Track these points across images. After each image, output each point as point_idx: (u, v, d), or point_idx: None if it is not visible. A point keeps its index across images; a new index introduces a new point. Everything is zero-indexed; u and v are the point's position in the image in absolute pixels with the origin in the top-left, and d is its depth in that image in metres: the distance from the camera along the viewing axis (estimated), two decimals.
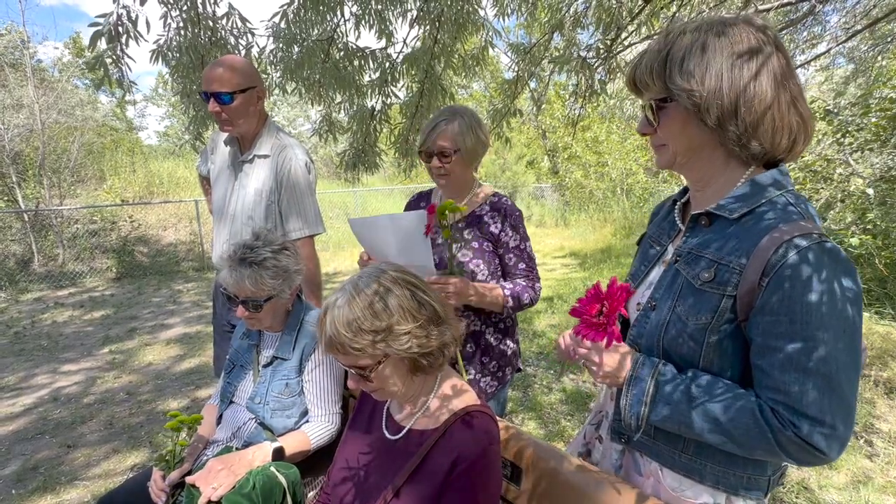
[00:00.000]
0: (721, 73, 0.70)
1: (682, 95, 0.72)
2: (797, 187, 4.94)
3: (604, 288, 0.78)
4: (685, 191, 0.92)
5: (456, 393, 0.97)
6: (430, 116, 1.52)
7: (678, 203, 0.91)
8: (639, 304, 0.88)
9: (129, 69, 1.91)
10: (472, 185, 1.53)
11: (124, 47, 1.85)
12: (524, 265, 1.47)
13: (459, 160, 1.42)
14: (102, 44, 1.81)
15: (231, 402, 1.42)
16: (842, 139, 4.51)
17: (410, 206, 1.67)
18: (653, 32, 2.53)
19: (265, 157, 1.78)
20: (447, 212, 1.23)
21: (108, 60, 1.83)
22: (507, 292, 1.41)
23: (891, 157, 4.40)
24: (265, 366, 1.38)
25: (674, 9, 2.77)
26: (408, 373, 0.92)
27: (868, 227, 4.08)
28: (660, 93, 0.76)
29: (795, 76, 0.73)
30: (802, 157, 5.02)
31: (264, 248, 1.29)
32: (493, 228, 1.44)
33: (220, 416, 1.43)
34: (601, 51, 2.56)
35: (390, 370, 0.90)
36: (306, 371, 1.35)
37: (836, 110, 4.65)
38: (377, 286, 0.89)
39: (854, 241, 3.91)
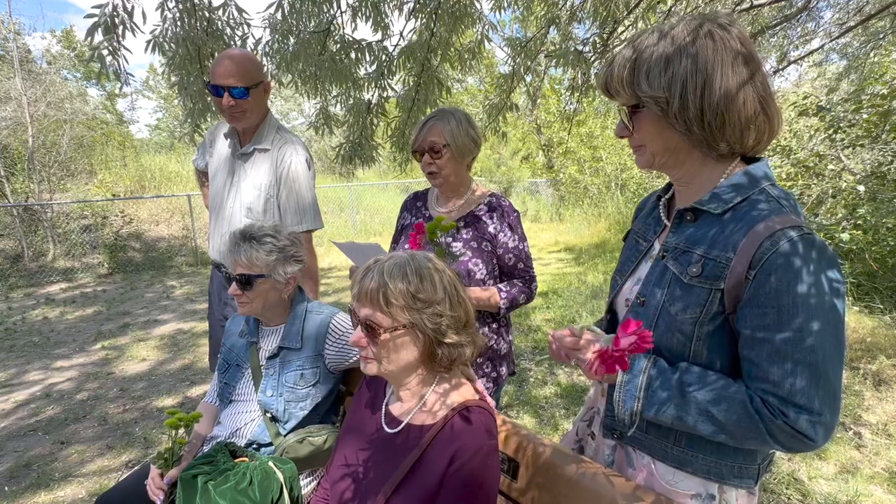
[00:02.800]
0: (685, 79, 0.72)
1: (650, 102, 0.74)
2: (790, 183, 4.99)
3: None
4: (669, 186, 0.92)
5: (454, 387, 0.97)
6: (424, 115, 1.53)
7: (662, 199, 0.92)
8: (627, 299, 0.89)
9: (126, 61, 1.89)
10: (468, 184, 1.52)
11: (120, 38, 1.83)
12: (522, 265, 1.47)
13: (450, 156, 1.42)
14: (99, 35, 1.79)
15: (231, 400, 1.41)
16: (833, 135, 4.55)
17: (407, 205, 1.66)
18: (648, 27, 2.52)
19: (265, 150, 1.78)
20: (438, 230, 1.18)
21: (105, 52, 1.81)
22: (504, 295, 1.41)
23: (882, 153, 4.45)
24: (270, 358, 1.38)
25: (670, 2, 2.77)
26: (416, 358, 0.92)
27: (859, 222, 4.13)
28: (630, 100, 0.78)
29: (762, 73, 0.75)
30: (795, 153, 5.06)
31: (268, 229, 1.36)
32: (491, 228, 1.44)
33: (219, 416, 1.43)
34: (597, 45, 2.55)
35: (402, 343, 0.90)
36: (331, 342, 1.37)
37: (828, 106, 4.68)
38: (432, 265, 0.92)
39: (845, 236, 3.96)
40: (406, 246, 1.30)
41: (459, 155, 1.43)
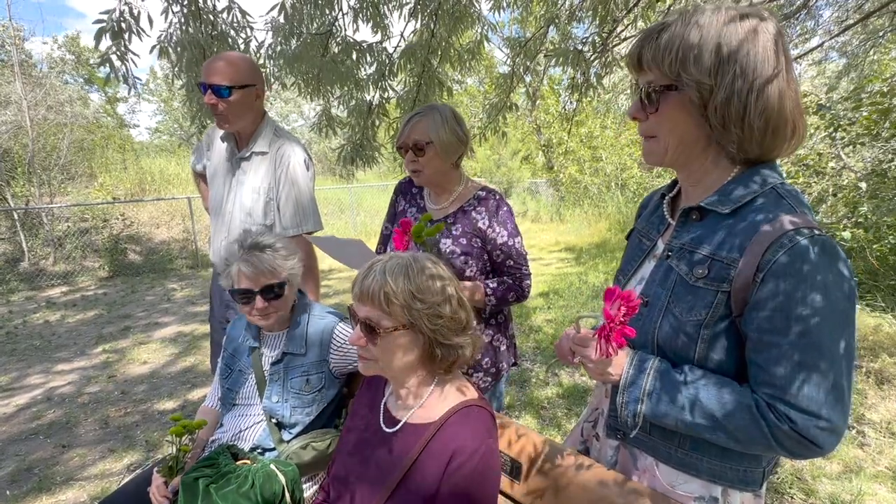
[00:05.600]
0: (736, 72, 0.68)
1: (692, 86, 0.69)
2: (790, 181, 4.98)
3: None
4: (674, 184, 0.90)
5: (453, 388, 0.96)
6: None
7: (667, 197, 0.90)
8: None
9: (135, 64, 1.92)
10: (457, 180, 1.50)
11: (127, 43, 1.85)
12: (512, 262, 1.44)
13: (434, 153, 1.39)
14: (107, 40, 1.82)
15: (234, 404, 1.40)
16: (834, 133, 4.54)
17: (402, 189, 1.64)
18: (648, 25, 2.52)
19: (263, 153, 1.77)
20: (424, 234, 1.16)
21: (114, 57, 1.83)
22: (489, 292, 1.39)
23: (882, 151, 4.44)
24: (274, 363, 1.36)
25: (668, 1, 2.76)
26: (415, 359, 0.91)
27: (860, 220, 4.12)
28: (666, 79, 0.72)
29: (797, 83, 0.72)
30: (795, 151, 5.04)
31: (265, 235, 1.32)
32: (480, 224, 1.42)
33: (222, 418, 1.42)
34: (597, 44, 2.55)
35: (401, 343, 0.89)
36: (336, 347, 1.36)
37: (828, 104, 4.67)
38: (434, 267, 0.92)
39: (846, 234, 3.95)
40: (392, 245, 1.29)
41: (444, 153, 1.40)
